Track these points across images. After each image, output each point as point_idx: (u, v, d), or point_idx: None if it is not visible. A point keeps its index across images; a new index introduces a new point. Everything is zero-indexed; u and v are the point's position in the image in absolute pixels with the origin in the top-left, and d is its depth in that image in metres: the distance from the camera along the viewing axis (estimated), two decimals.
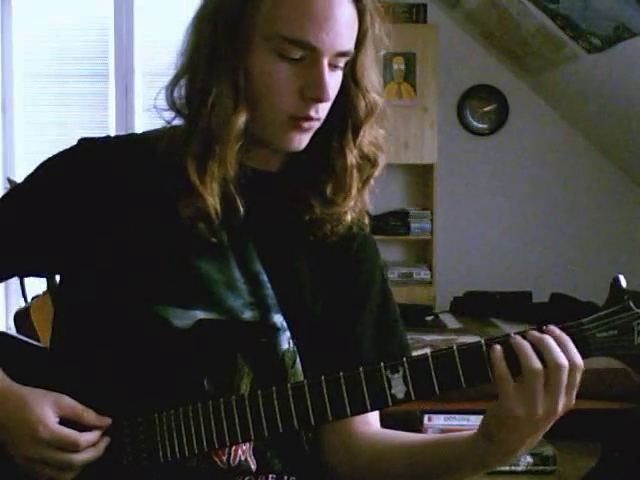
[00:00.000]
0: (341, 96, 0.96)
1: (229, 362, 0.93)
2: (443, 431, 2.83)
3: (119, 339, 0.93)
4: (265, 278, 0.96)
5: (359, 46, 0.94)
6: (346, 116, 0.97)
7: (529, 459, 2.74)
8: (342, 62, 0.93)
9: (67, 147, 1.01)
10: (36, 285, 3.11)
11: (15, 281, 3.41)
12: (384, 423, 1.12)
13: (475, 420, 2.84)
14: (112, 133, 4.13)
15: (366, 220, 1.04)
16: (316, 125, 0.94)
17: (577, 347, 0.82)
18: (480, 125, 4.29)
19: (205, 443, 0.87)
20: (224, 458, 0.92)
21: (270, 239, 0.98)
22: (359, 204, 1.01)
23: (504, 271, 4.19)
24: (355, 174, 0.98)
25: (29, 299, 3.12)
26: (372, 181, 1.02)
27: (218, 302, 0.93)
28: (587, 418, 2.93)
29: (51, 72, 4.02)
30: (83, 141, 1.00)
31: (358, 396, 0.84)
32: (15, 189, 1.05)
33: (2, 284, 3.94)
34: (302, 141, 0.94)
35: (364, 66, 0.96)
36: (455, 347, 0.82)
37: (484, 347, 0.82)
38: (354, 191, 0.98)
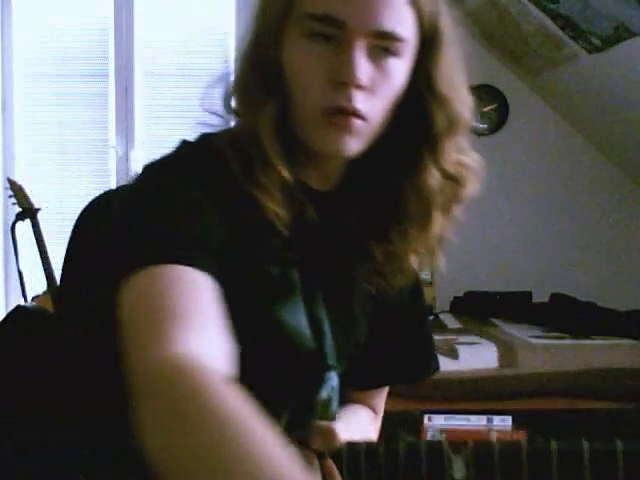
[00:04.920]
0: (414, 106, 0.85)
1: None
2: (443, 431, 2.83)
3: None
4: (327, 327, 0.90)
5: (432, 43, 0.84)
6: (422, 130, 0.85)
7: None
8: (395, 50, 0.81)
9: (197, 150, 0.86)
10: (36, 285, 3.11)
11: (15, 281, 3.41)
12: (384, 422, 1.13)
13: (475, 420, 2.84)
14: (112, 133, 4.06)
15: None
16: (358, 124, 0.81)
17: None
18: (480, 125, 4.29)
19: None
20: None
21: (333, 281, 0.91)
22: (430, 242, 0.89)
23: (504, 271, 4.19)
24: (437, 199, 0.87)
25: (29, 299, 3.11)
26: (456, 210, 0.91)
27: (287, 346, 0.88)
28: (587, 418, 2.93)
29: (51, 72, 4.01)
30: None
31: (415, 468, 0.79)
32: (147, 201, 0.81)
33: (1, 284, 3.94)
34: (342, 142, 0.81)
35: (441, 69, 0.86)
36: (523, 442, 0.77)
37: (555, 451, 0.76)
38: (437, 220, 0.88)
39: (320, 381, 0.92)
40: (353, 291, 0.93)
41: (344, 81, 0.79)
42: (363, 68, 0.79)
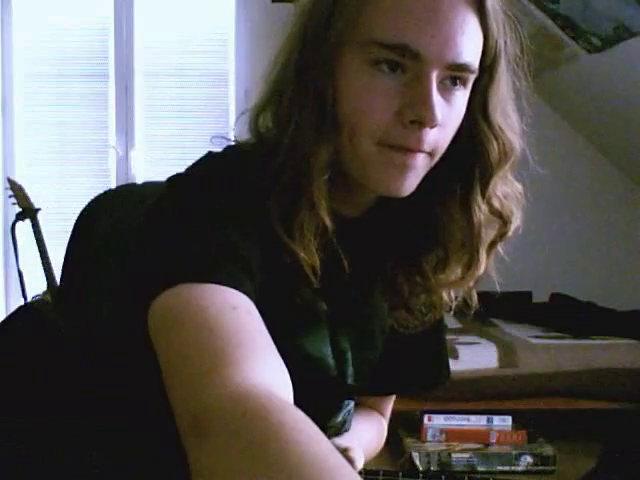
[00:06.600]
0: (466, 136, 0.78)
1: None
2: (443, 431, 2.83)
3: None
4: (349, 355, 0.88)
5: (491, 71, 0.76)
6: (473, 162, 0.79)
7: (529, 459, 2.75)
8: (463, 82, 0.74)
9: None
10: (36, 285, 3.11)
11: (15, 281, 3.41)
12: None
13: (475, 420, 2.84)
14: (112, 133, 4.06)
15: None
16: (423, 163, 0.74)
17: None
18: None
19: None
20: None
21: (357, 308, 0.88)
22: (470, 280, 0.84)
23: (504, 271, 4.18)
24: (483, 235, 0.83)
25: (29, 299, 3.11)
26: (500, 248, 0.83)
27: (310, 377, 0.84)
28: (587, 418, 2.93)
29: (51, 72, 4.02)
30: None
31: None
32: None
33: (1, 284, 3.94)
34: (405, 183, 0.74)
35: (497, 98, 0.77)
36: None
37: None
38: (482, 257, 0.83)
39: (339, 408, 0.93)
40: (375, 315, 0.91)
41: (419, 121, 0.70)
42: (438, 105, 0.70)
